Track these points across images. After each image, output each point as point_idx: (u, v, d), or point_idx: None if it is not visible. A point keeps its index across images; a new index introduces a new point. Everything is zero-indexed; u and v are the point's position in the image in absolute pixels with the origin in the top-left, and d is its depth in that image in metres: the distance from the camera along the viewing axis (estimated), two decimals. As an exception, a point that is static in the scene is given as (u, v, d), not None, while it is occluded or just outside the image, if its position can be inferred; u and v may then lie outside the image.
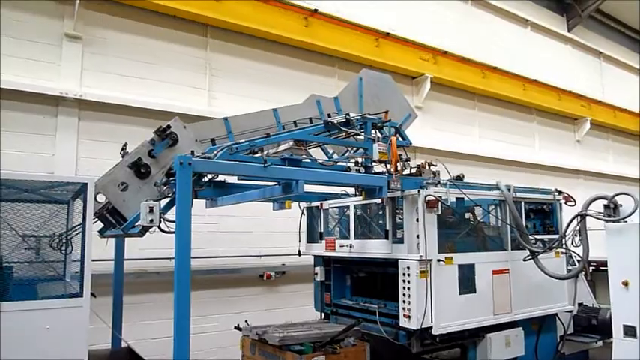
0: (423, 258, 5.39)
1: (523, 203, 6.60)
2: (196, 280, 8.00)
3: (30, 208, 4.82)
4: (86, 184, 4.63)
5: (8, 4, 7.49)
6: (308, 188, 5.66)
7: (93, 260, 4.67)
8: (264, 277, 9.21)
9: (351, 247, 6.28)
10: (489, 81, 13.26)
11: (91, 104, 7.84)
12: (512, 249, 6.34)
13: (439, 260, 5.53)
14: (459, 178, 6.55)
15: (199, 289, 8.33)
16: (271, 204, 6.85)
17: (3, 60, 7.32)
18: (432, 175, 6.24)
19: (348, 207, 6.52)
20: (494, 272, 6.07)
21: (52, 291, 4.68)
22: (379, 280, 6.56)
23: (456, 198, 5.97)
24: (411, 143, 6.35)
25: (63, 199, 5.03)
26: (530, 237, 6.41)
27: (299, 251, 7.16)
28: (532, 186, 7.36)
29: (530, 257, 6.23)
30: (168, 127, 5.31)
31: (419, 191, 5.56)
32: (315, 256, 7.15)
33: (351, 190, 6.94)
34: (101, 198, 5.31)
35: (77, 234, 4.75)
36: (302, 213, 7.21)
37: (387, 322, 5.75)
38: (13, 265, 4.76)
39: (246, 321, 6.56)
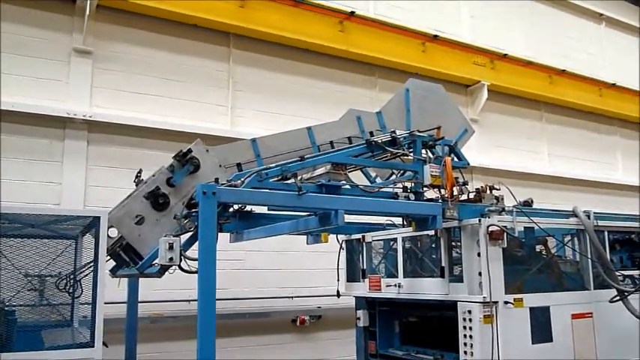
0: (487, 300, 5.27)
1: (606, 232, 6.42)
2: (218, 325, 7.97)
3: (34, 244, 4.91)
4: (99, 217, 4.70)
5: (10, 17, 7.83)
6: (348, 218, 5.62)
7: (105, 303, 4.72)
8: (298, 323, 9.17)
9: (399, 286, 6.19)
10: (558, 87, 13.08)
11: (102, 126, 8.09)
12: (595, 288, 6.14)
13: (506, 302, 5.40)
14: (527, 203, 6.42)
15: (222, 337, 8.20)
16: (305, 237, 6.85)
17: (5, 79, 7.62)
18: (495, 201, 6.15)
19: (395, 240, 6.45)
20: (574, 317, 5.87)
21: (59, 339, 4.74)
22: (434, 325, 6.42)
23: (525, 227, 5.86)
24: (468, 164, 6.30)
25: (71, 234, 5.14)
26: (617, 273, 6.20)
27: (338, 292, 7.10)
28: (616, 211, 7.15)
29: (618, 298, 6.01)
30: (189, 150, 5.40)
31: (480, 220, 5.47)
32: (356, 297, 7.07)
33: (399, 220, 6.87)
34: (113, 232, 5.38)
35: (87, 274, 4.83)
36: (341, 247, 7.18)
37: (445, 377, 5.63)
38: (15, 310, 4.84)
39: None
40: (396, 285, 6.23)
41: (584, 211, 6.33)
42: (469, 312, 5.34)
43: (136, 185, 5.61)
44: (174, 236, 4.63)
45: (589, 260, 6.17)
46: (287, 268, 9.22)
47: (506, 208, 5.87)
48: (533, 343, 5.52)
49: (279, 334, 9.13)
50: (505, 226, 5.50)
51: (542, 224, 5.87)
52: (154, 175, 5.45)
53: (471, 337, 5.30)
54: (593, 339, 5.99)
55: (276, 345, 9.08)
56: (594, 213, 6.40)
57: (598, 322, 6.05)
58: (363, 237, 6.90)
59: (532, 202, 6.55)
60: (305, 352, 9.27)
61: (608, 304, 6.09)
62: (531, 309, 5.58)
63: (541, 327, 5.63)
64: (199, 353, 4.21)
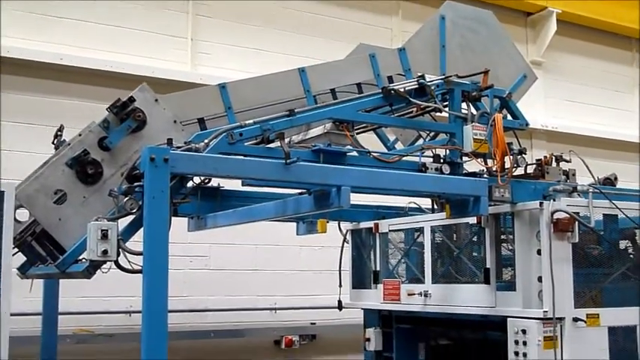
0: (550, 316, 5.30)
1: None
2: (174, 348, 8.01)
3: None
4: (1, 193, 4.72)
5: None
6: (355, 199, 5.62)
7: (11, 315, 4.75)
8: (283, 345, 9.24)
9: (426, 296, 6.21)
10: (658, 18, 13.05)
11: (10, 63, 8.05)
12: (701, 301, 6.18)
13: (576, 319, 5.42)
14: (609, 181, 6.43)
15: (178, 363, 8.42)
16: (294, 225, 6.86)
17: None
18: (564, 177, 6.13)
19: (421, 230, 6.48)
20: (671, 340, 5.92)
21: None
22: (474, 350, 6.49)
23: (605, 215, 5.86)
24: (527, 124, 6.30)
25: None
26: None
27: (339, 303, 7.14)
28: None
29: None
30: (131, 99, 5.35)
31: (541, 204, 5.48)
32: (365, 310, 7.11)
33: (427, 203, 6.87)
34: (23, 215, 5.37)
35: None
36: (345, 240, 7.21)
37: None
38: None
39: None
40: (421, 294, 6.25)
41: (689, 193, 6.34)
42: (523, 332, 5.35)
43: (56, 148, 5.57)
44: (108, 220, 4.60)
45: (694, 262, 6.19)
46: (268, 268, 9.27)
47: (579, 188, 5.85)
48: (612, 377, 5.57)
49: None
50: (577, 213, 5.49)
51: (630, 211, 5.87)
52: (80, 135, 5.41)
53: (526, 366, 5.33)
54: (697, 371, 6.05)
55: (252, 375, 9.18)
56: None
57: None
58: (376, 225, 6.91)
59: (616, 179, 6.54)
60: (293, 385, 9.36)
61: None
62: (611, 329, 5.59)
63: (624, 355, 5.66)
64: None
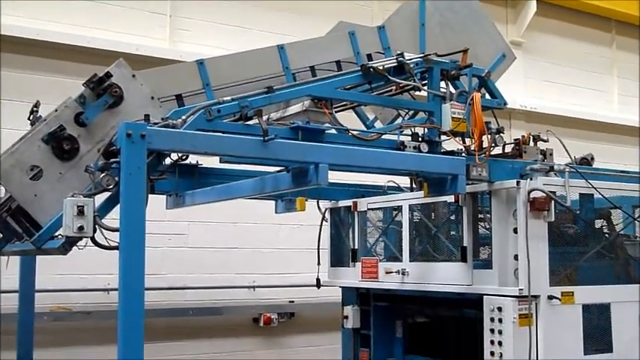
0: (525, 293, 5.34)
1: (695, 204, 6.51)
2: (152, 326, 8.03)
3: None
4: (-25, 168, 4.67)
5: None
6: (334, 177, 5.62)
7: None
8: (261, 323, 9.27)
9: (404, 274, 6.25)
10: None
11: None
12: (675, 281, 6.26)
13: (551, 297, 5.47)
14: (586, 161, 6.48)
15: (156, 341, 8.40)
16: (273, 203, 6.86)
17: None
18: (541, 157, 6.16)
19: (399, 209, 6.49)
20: (645, 319, 6.00)
21: None
22: (451, 328, 6.54)
23: (581, 195, 5.90)
24: (505, 103, 6.29)
25: None
26: None
27: (317, 281, 7.17)
28: None
29: None
30: (108, 75, 5.30)
31: (518, 183, 5.49)
32: (343, 288, 7.14)
33: (405, 182, 6.89)
34: (-2, 191, 5.37)
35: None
36: (323, 218, 7.23)
37: (463, 399, 5.77)
38: None
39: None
40: (399, 272, 6.28)
41: (665, 174, 6.40)
42: (499, 309, 5.40)
43: (32, 124, 5.51)
44: (84, 197, 4.56)
45: (668, 242, 6.26)
46: (247, 246, 9.29)
47: (555, 167, 5.88)
48: (586, 354, 5.62)
49: (236, 337, 9.26)
50: (553, 192, 5.52)
51: (605, 190, 5.91)
52: (56, 110, 5.36)
53: (500, 344, 5.36)
54: (669, 349, 6.12)
55: (231, 353, 9.18)
56: (679, 176, 6.47)
57: (677, 327, 6.18)
58: (355, 204, 6.92)
59: (592, 159, 6.59)
60: (271, 363, 9.40)
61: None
62: (585, 307, 5.66)
63: (598, 332, 5.72)
64: (121, 360, 4.22)
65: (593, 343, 5.68)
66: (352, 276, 6.90)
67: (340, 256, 7.19)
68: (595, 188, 5.83)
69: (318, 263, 7.17)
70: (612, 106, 13.21)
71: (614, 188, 6.07)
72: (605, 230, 6.28)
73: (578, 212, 5.95)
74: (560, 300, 5.50)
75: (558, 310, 5.51)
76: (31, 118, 5.61)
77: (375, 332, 6.90)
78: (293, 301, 9.46)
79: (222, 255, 9.14)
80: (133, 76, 5.46)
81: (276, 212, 6.83)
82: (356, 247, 6.94)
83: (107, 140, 5.00)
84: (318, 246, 7.17)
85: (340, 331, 7.17)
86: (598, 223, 6.29)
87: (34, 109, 5.63)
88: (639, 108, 13.25)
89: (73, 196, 4.55)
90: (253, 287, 9.30)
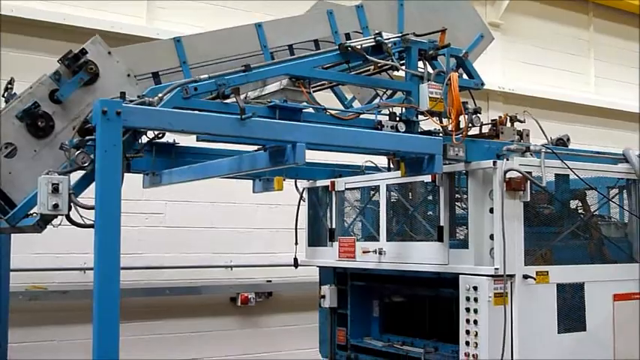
0: (500, 273, 5.37)
1: (669, 185, 6.57)
2: (129, 305, 8.05)
3: None
4: (-52, 145, 4.62)
5: None
6: (311, 156, 5.62)
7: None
8: (239, 302, 9.28)
9: (381, 253, 6.27)
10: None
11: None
12: (647, 260, 6.33)
13: (526, 277, 5.51)
14: (562, 142, 6.48)
15: (133, 320, 8.42)
16: (251, 182, 6.84)
17: None
18: (517, 137, 6.17)
19: (376, 189, 6.50)
20: (617, 298, 6.04)
21: None
22: (427, 307, 6.56)
23: (556, 175, 5.93)
24: (483, 84, 6.28)
25: None
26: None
27: (295, 260, 7.17)
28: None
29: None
30: (83, 52, 5.25)
31: (495, 163, 5.51)
32: (321, 268, 7.16)
33: (383, 161, 6.89)
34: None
35: None
36: (301, 197, 7.22)
37: (438, 377, 5.80)
38: None
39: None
40: (376, 251, 6.30)
41: (639, 155, 6.42)
42: (475, 289, 5.43)
43: (6, 102, 5.46)
44: (59, 174, 4.52)
45: (641, 222, 6.32)
46: (225, 226, 9.28)
47: (532, 148, 5.89)
48: (559, 332, 5.68)
49: (213, 317, 9.27)
50: (529, 173, 5.55)
51: (581, 171, 5.94)
52: (31, 87, 5.30)
53: (475, 322, 5.40)
54: (641, 328, 6.20)
55: (208, 332, 9.21)
56: (653, 157, 6.52)
57: (648, 306, 6.26)
58: (333, 184, 6.92)
59: (568, 140, 6.60)
60: (248, 342, 9.42)
61: (664, 283, 6.29)
62: (560, 286, 5.70)
63: (572, 311, 5.77)
64: (95, 344, 4.17)
65: (567, 321, 5.73)
66: (330, 255, 6.92)
67: (318, 236, 7.20)
68: (570, 169, 5.86)
69: (296, 243, 7.18)
70: (589, 88, 13.28)
71: (590, 169, 6.11)
72: (580, 211, 6.32)
73: (553, 193, 5.98)
74: (534, 279, 5.54)
75: (533, 290, 5.55)
76: (5, 95, 5.56)
77: (352, 311, 6.92)
78: (270, 281, 9.48)
79: (200, 234, 9.13)
80: (109, 53, 5.42)
81: (253, 192, 6.83)
82: (333, 226, 6.95)
83: (82, 117, 4.97)
84: (296, 225, 7.16)
85: (317, 310, 7.20)
86: (573, 204, 6.34)
87: (9, 86, 5.58)
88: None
89: (47, 173, 4.51)
90: (231, 267, 9.31)
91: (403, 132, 5.68)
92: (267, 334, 9.52)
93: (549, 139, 6.50)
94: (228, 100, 5.11)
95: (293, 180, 7.08)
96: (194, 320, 9.14)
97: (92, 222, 4.32)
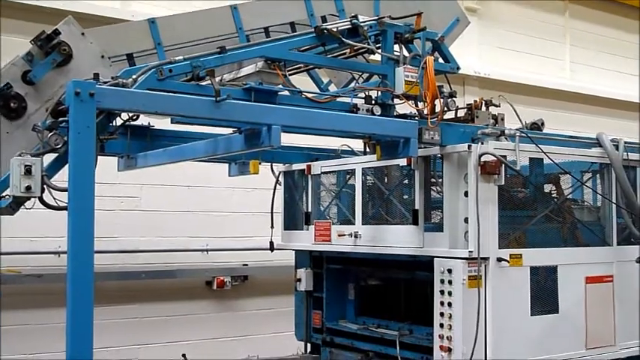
0: (474, 256, 5.41)
1: (640, 169, 6.65)
2: (104, 289, 8.04)
3: None
4: None
5: None
6: (287, 139, 5.62)
7: None
8: (214, 286, 9.29)
9: (356, 236, 6.29)
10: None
11: None
12: (619, 244, 6.38)
13: (500, 259, 5.55)
14: (536, 126, 6.52)
15: (108, 304, 8.39)
16: (226, 166, 6.82)
17: None
18: (492, 122, 6.19)
19: (352, 172, 6.51)
20: (589, 280, 6.11)
21: None
22: (402, 290, 6.61)
23: (531, 159, 5.97)
24: (458, 68, 6.29)
25: None
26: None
27: (271, 244, 7.19)
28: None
29: (647, 257, 6.30)
30: (56, 32, 5.20)
31: (470, 146, 5.54)
32: (297, 251, 7.18)
33: (359, 145, 6.90)
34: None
35: None
36: (277, 181, 7.22)
37: (413, 359, 5.80)
38: None
39: (183, 355, 6.59)
40: (351, 235, 6.32)
41: (612, 140, 6.47)
42: (449, 271, 5.47)
43: (-22, 82, 5.42)
44: (32, 156, 4.51)
45: (613, 206, 6.37)
46: (200, 209, 9.27)
47: (506, 132, 5.91)
48: (532, 315, 5.74)
49: (189, 300, 9.27)
50: (504, 156, 5.58)
51: (555, 155, 5.98)
52: (3, 68, 5.23)
53: (450, 304, 5.44)
54: (613, 310, 6.27)
55: (183, 316, 9.21)
56: (625, 143, 6.55)
57: (620, 289, 6.31)
58: (309, 167, 6.93)
59: (543, 124, 6.64)
60: (224, 325, 9.44)
61: (635, 266, 6.36)
62: (533, 269, 5.76)
63: (544, 293, 5.84)
64: (69, 328, 4.17)
65: (540, 304, 5.80)
66: (305, 239, 6.94)
67: (293, 220, 7.21)
68: (545, 153, 5.90)
69: (272, 226, 7.18)
70: (564, 74, 13.36)
71: (564, 153, 6.16)
72: (554, 194, 6.38)
73: (527, 176, 6.02)
74: (508, 262, 5.59)
75: (507, 272, 5.61)
76: (-24, 76, 5.50)
77: (327, 295, 6.95)
78: (246, 265, 9.48)
79: (175, 218, 9.11)
80: (83, 34, 5.38)
81: (229, 175, 6.80)
82: (309, 210, 6.96)
83: (56, 99, 4.92)
84: (272, 209, 7.16)
85: (293, 293, 7.22)
86: (547, 188, 6.40)
87: (-20, 67, 5.51)
88: (639, 84, 13.53)
89: (20, 155, 4.50)
90: (206, 250, 9.29)
91: (379, 115, 5.67)
92: (243, 318, 9.54)
93: (524, 124, 6.53)
94: (203, 83, 5.08)
95: (269, 163, 7.07)
96: (170, 304, 9.12)
97: (66, 204, 4.31)
